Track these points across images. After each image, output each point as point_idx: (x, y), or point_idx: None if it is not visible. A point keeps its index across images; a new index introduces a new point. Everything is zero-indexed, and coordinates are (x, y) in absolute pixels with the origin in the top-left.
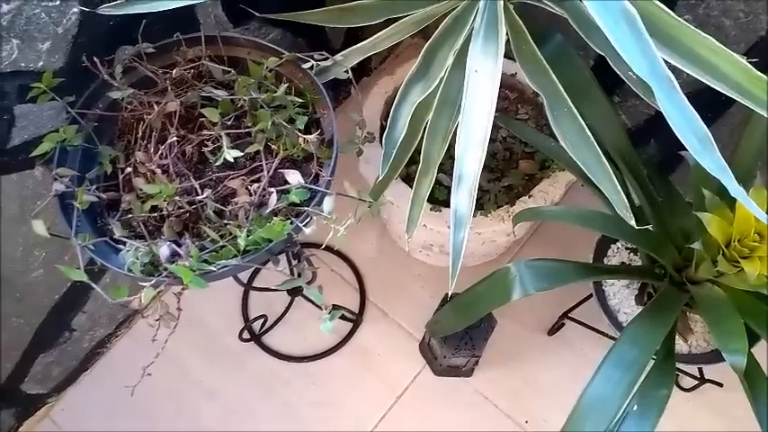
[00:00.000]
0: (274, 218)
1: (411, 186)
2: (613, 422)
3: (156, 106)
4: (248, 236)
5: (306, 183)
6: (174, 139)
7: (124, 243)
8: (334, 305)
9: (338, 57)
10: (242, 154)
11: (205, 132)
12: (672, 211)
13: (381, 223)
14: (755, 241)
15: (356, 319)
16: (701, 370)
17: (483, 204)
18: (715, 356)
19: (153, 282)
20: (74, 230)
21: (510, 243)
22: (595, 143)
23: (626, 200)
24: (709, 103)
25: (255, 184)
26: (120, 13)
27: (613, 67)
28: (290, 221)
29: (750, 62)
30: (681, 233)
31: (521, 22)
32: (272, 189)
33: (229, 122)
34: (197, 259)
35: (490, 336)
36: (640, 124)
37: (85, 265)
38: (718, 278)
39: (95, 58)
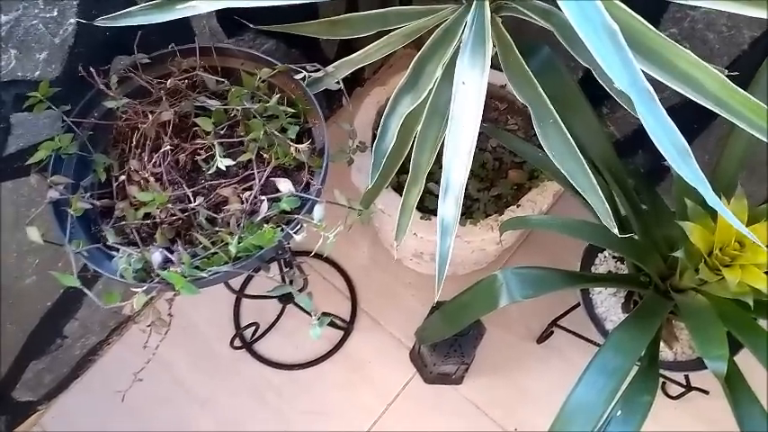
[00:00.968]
0: (265, 225)
1: (402, 195)
2: (597, 428)
3: (150, 115)
4: (239, 243)
5: (297, 191)
6: (168, 147)
7: (117, 249)
8: (324, 313)
9: (329, 68)
10: (234, 163)
11: (198, 141)
12: (657, 220)
13: (373, 232)
14: (736, 250)
15: (347, 328)
16: (687, 377)
17: (472, 213)
18: (699, 364)
19: (145, 288)
20: (67, 237)
21: (500, 252)
22: (580, 154)
23: (610, 210)
24: (696, 114)
25: (247, 192)
26: (117, 24)
27: (598, 79)
28: (280, 229)
29: (732, 75)
30: (665, 242)
31: (508, 35)
32: (264, 197)
33: (222, 132)
34: (189, 266)
35: (479, 343)
36: (628, 135)
37: (79, 272)
38: (701, 286)
39: (91, 68)
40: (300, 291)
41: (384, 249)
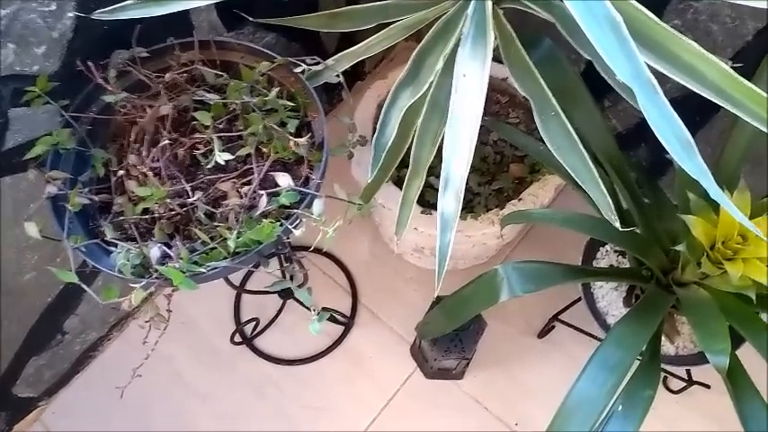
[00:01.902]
0: (264, 220)
1: (402, 189)
2: (598, 423)
3: (148, 110)
4: (238, 238)
5: (296, 185)
6: (167, 142)
7: (116, 245)
8: (324, 308)
9: (329, 61)
10: (233, 157)
11: (197, 135)
12: (659, 214)
13: (374, 227)
14: (739, 243)
15: (348, 322)
16: (688, 372)
17: (473, 207)
18: (701, 358)
19: (143, 283)
20: (65, 232)
21: (501, 246)
22: (582, 147)
23: (611, 203)
24: (699, 107)
25: (246, 187)
26: (114, 18)
27: (600, 72)
28: (279, 224)
29: (736, 67)
30: (667, 236)
31: (509, 27)
32: (263, 191)
33: (221, 126)
34: (187, 261)
35: (480, 338)
36: (631, 128)
37: (78, 268)
38: (704, 280)
39: (90, 63)
40: (300, 286)
41: (385, 244)
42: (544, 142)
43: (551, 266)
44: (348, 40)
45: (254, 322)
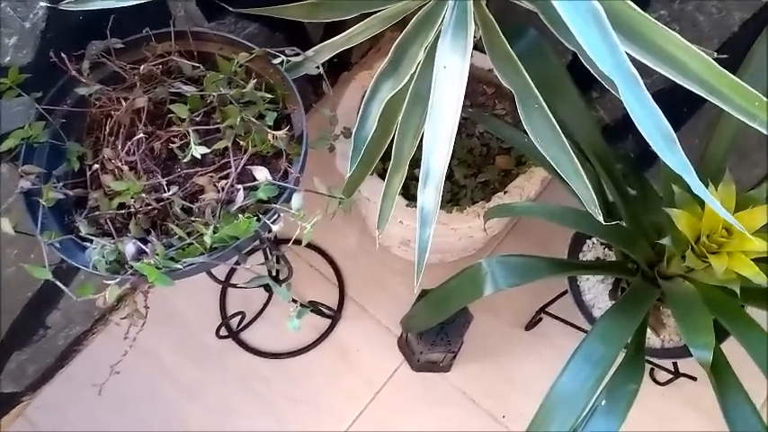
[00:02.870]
0: (241, 215)
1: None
2: (582, 417)
3: (124, 102)
4: (215, 233)
5: (274, 179)
6: (142, 135)
7: (91, 241)
8: (311, 301)
9: (309, 52)
10: (210, 150)
11: (173, 128)
12: (645, 206)
13: (361, 219)
14: (723, 237)
15: (335, 316)
16: (675, 364)
17: (459, 200)
18: (687, 351)
19: (118, 280)
20: (39, 228)
21: (488, 239)
22: (565, 139)
23: (595, 196)
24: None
25: (223, 181)
26: (84, 8)
27: (585, 63)
28: (257, 219)
29: (721, 58)
30: (654, 229)
31: (492, 17)
32: (240, 186)
33: (198, 119)
34: (163, 257)
35: (466, 331)
36: (618, 119)
37: (57, 263)
38: (689, 273)
39: (64, 54)
40: (284, 280)
41: (372, 237)
42: (528, 134)
43: (536, 260)
44: (333, 30)
45: (240, 316)
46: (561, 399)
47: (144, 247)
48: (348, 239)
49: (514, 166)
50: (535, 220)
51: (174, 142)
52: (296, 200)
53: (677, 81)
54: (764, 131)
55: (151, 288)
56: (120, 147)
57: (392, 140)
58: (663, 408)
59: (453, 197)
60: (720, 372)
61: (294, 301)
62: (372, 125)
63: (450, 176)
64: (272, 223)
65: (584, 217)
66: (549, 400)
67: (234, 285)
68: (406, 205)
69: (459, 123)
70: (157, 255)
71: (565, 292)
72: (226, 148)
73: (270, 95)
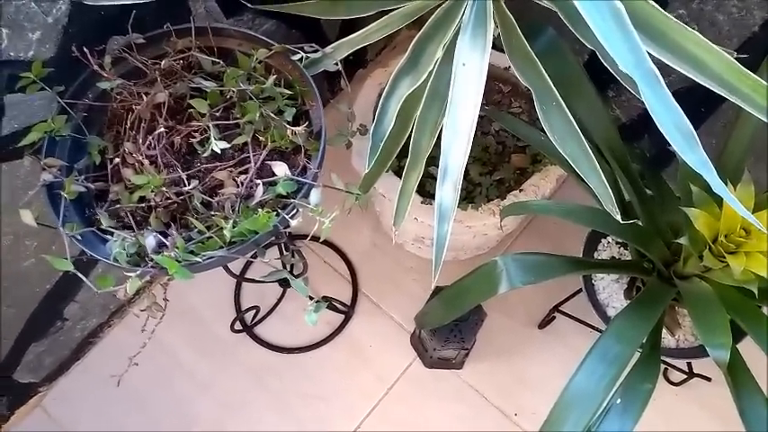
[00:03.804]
0: (260, 209)
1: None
2: (596, 416)
3: (144, 97)
4: (234, 227)
5: (293, 175)
6: (163, 129)
7: (111, 233)
8: (325, 297)
9: (328, 49)
10: (229, 145)
11: (194, 123)
12: (662, 206)
13: (375, 216)
14: (741, 237)
15: (348, 312)
16: (689, 364)
17: (474, 198)
18: (702, 351)
19: (138, 272)
20: (61, 220)
21: (502, 237)
22: (583, 137)
23: (612, 194)
24: (704, 99)
25: (242, 176)
26: (105, 4)
27: (603, 62)
28: (276, 213)
29: (741, 58)
30: (670, 228)
31: (511, 15)
32: (259, 181)
33: (218, 114)
34: (183, 250)
35: (479, 329)
36: (635, 119)
37: (77, 256)
38: (705, 273)
39: (85, 49)
40: (299, 275)
41: (386, 234)
42: (545, 132)
43: (551, 258)
44: (349, 28)
45: (255, 310)
46: (576, 397)
47: (164, 240)
48: (362, 236)
49: (530, 164)
50: (549, 218)
51: (194, 137)
52: (314, 195)
53: (697, 80)
54: None
55: (170, 281)
56: (140, 141)
57: (409, 137)
58: (676, 408)
59: (468, 195)
60: (737, 372)
61: (310, 297)
62: (390, 122)
63: (465, 174)
64: (290, 218)
65: (599, 215)
66: (563, 398)
67: (250, 280)
68: (421, 202)
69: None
70: (177, 248)
71: (579, 291)
72: (245, 144)
73: (289, 92)
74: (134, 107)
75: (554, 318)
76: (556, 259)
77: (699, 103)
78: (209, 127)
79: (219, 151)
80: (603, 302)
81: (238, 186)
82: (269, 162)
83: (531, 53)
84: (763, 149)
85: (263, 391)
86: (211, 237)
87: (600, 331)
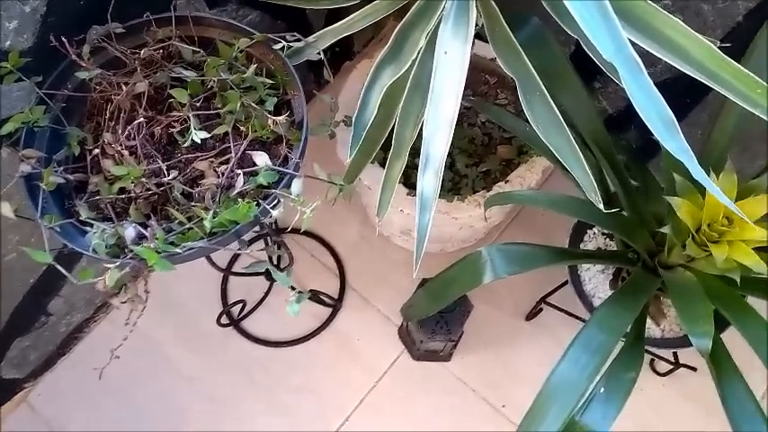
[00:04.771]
0: (241, 200)
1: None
2: (579, 405)
3: (124, 87)
4: (214, 218)
5: (274, 165)
6: (142, 120)
7: (91, 225)
8: (312, 290)
9: (310, 38)
10: (210, 135)
11: (174, 113)
12: (647, 196)
13: (363, 209)
14: (724, 226)
15: (335, 305)
16: (675, 354)
17: (460, 189)
18: (687, 341)
19: (118, 264)
20: (39, 212)
21: (489, 229)
22: (567, 128)
23: (595, 184)
24: (689, 89)
25: (223, 166)
26: None
27: (587, 51)
28: (257, 204)
29: (725, 47)
30: (655, 218)
31: (494, 4)
32: (240, 171)
33: (198, 104)
34: (162, 241)
35: (465, 320)
36: (621, 109)
37: (59, 248)
38: (689, 263)
39: (64, 38)
40: (285, 268)
41: (373, 227)
42: (530, 123)
43: (536, 248)
44: (335, 20)
45: (242, 304)
46: (559, 386)
47: (144, 231)
48: (349, 230)
49: (516, 155)
50: (537, 211)
51: (174, 127)
52: (296, 185)
53: (679, 67)
54: (766, 118)
55: (151, 272)
56: (120, 131)
57: (393, 128)
58: (663, 398)
59: (454, 186)
60: (720, 361)
61: (293, 288)
62: (372, 111)
63: (451, 166)
64: (271, 208)
65: (584, 205)
66: (547, 387)
67: (235, 273)
68: (407, 194)
69: (461, 113)
70: (157, 239)
71: (565, 283)
72: (226, 134)
73: (270, 81)
74: (113, 97)
75: (541, 309)
76: (540, 249)
77: (684, 93)
78: (189, 117)
79: (200, 141)
80: (590, 293)
81: (219, 177)
82: (250, 152)
83: (514, 41)
84: (748, 139)
85: (250, 385)
86: (192, 228)
87: (585, 322)
